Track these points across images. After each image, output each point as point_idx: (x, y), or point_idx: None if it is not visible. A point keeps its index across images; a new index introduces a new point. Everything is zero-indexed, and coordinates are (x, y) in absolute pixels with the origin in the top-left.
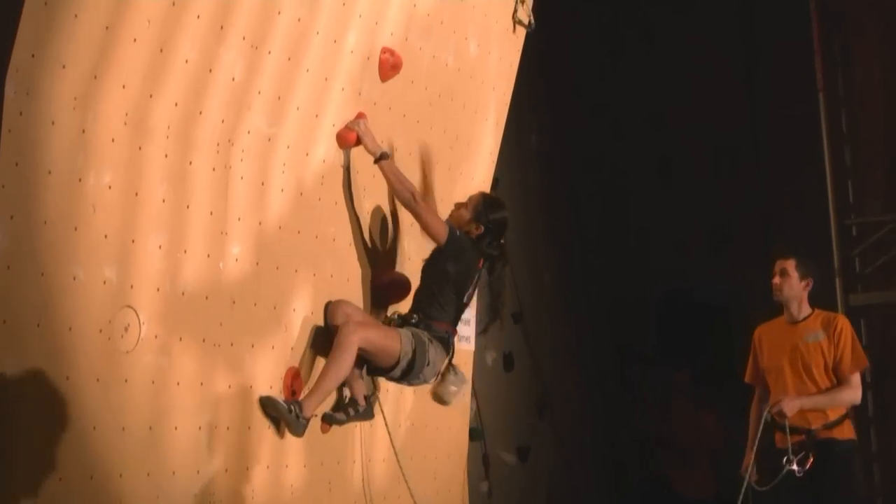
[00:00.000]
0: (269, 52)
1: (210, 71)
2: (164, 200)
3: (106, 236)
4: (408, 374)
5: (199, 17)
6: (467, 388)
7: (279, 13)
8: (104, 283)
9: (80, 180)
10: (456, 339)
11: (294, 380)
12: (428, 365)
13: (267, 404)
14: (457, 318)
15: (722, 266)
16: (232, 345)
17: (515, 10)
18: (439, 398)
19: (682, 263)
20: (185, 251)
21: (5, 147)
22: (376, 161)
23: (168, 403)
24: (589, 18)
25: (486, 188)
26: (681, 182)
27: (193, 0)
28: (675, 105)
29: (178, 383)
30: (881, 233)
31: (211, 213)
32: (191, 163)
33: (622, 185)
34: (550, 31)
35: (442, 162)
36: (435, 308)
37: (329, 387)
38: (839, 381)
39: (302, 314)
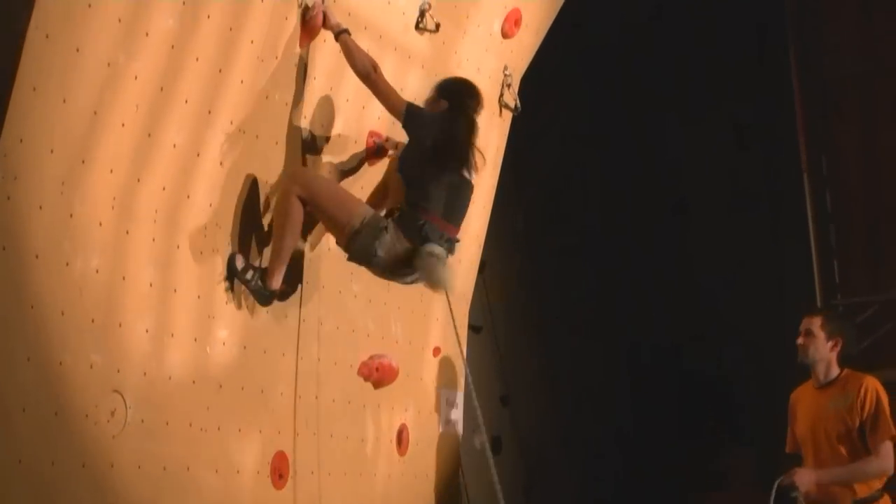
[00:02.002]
0: (257, 137)
1: (198, 155)
2: (151, 284)
3: (93, 320)
4: (350, 249)
5: (186, 101)
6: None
7: (266, 97)
8: (91, 367)
9: (67, 264)
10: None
11: (282, 463)
12: (375, 253)
13: (231, 263)
14: (448, 209)
15: (708, 351)
16: (219, 429)
17: (501, 94)
18: (430, 283)
19: (671, 345)
20: (173, 335)
21: None
22: (338, 36)
23: (155, 488)
24: (576, 102)
25: (475, 272)
26: (669, 261)
27: (181, 85)
28: (663, 185)
29: (164, 468)
30: (868, 313)
31: (198, 297)
32: (178, 246)
33: (610, 266)
34: (536, 114)
35: None
36: (417, 194)
37: (282, 247)
38: (868, 450)
39: (290, 398)
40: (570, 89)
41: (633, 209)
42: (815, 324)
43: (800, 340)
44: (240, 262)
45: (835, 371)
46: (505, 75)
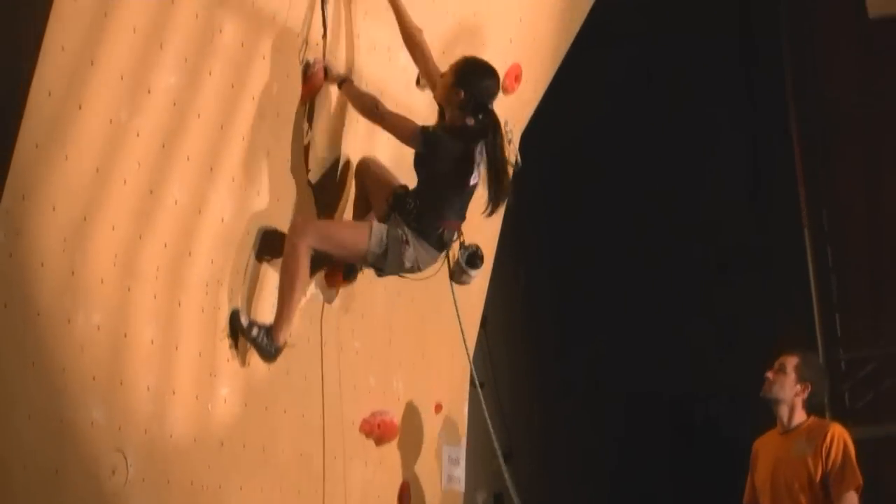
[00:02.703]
0: (258, 193)
1: (199, 212)
2: (152, 342)
3: (94, 378)
4: (378, 268)
5: (188, 158)
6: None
7: (268, 153)
8: (92, 424)
9: (68, 321)
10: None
11: None
12: (405, 265)
13: (235, 320)
14: (460, 210)
15: (709, 407)
16: (220, 487)
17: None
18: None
19: (672, 401)
20: (174, 392)
21: None
22: (340, 86)
23: None
24: (577, 157)
25: (476, 327)
26: (670, 316)
27: (183, 142)
28: (660, 241)
29: None
30: (869, 367)
31: (199, 355)
32: (179, 304)
33: (612, 321)
34: (538, 168)
35: (430, 303)
36: (433, 200)
37: (289, 306)
38: (830, 502)
39: (292, 455)
40: (572, 144)
41: (635, 265)
42: (790, 363)
43: (769, 374)
44: (244, 319)
45: (800, 417)
46: (506, 131)
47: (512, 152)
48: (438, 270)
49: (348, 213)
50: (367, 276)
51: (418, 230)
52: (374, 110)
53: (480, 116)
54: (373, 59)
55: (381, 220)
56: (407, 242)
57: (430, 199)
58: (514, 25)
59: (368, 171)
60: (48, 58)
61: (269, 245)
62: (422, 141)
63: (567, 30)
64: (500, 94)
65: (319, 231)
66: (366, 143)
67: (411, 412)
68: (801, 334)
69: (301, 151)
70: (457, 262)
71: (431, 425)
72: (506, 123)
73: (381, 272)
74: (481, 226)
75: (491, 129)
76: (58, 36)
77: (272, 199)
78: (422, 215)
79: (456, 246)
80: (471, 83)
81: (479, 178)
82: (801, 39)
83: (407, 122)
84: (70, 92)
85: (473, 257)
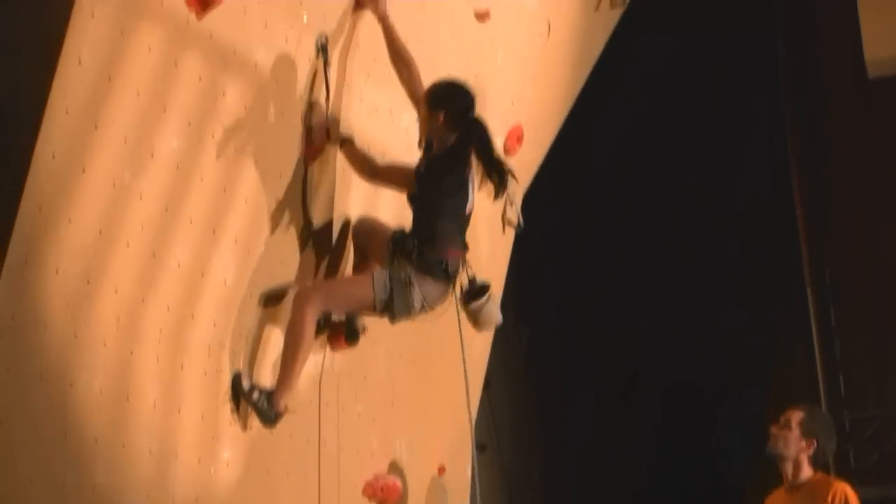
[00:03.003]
0: (261, 255)
1: (202, 275)
2: (154, 405)
3: (97, 441)
4: (388, 314)
5: (191, 221)
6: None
7: (270, 216)
8: (94, 488)
9: (71, 385)
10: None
11: None
12: (414, 306)
13: (236, 384)
14: (460, 240)
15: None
16: None
17: (504, 211)
18: (476, 324)
19: (673, 470)
20: (176, 456)
21: None
22: (342, 145)
23: None
24: (578, 221)
25: (479, 389)
26: (672, 384)
27: (186, 205)
28: (664, 307)
29: None
30: (874, 427)
31: (202, 418)
32: (182, 367)
33: (614, 387)
34: (540, 228)
35: (432, 365)
36: (431, 232)
37: (293, 371)
38: None
39: None
40: (574, 207)
41: (637, 331)
42: (795, 418)
43: (773, 429)
44: (245, 383)
45: (806, 473)
46: (507, 192)
47: (514, 214)
48: (447, 309)
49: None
50: (368, 338)
51: (421, 267)
52: (371, 170)
53: (464, 126)
54: (375, 121)
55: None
56: (411, 283)
57: (428, 233)
58: (515, 87)
59: (364, 229)
60: (52, 121)
61: (273, 307)
62: (418, 185)
63: (568, 92)
64: (502, 150)
65: (324, 292)
66: (368, 202)
67: (415, 475)
68: (802, 393)
69: (304, 213)
70: (465, 293)
71: (435, 488)
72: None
73: (392, 318)
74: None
75: (475, 131)
76: (62, 99)
77: (275, 261)
78: (422, 251)
79: (464, 277)
80: (444, 101)
81: (471, 207)
82: (802, 99)
83: (402, 169)
84: (74, 155)
85: (480, 288)
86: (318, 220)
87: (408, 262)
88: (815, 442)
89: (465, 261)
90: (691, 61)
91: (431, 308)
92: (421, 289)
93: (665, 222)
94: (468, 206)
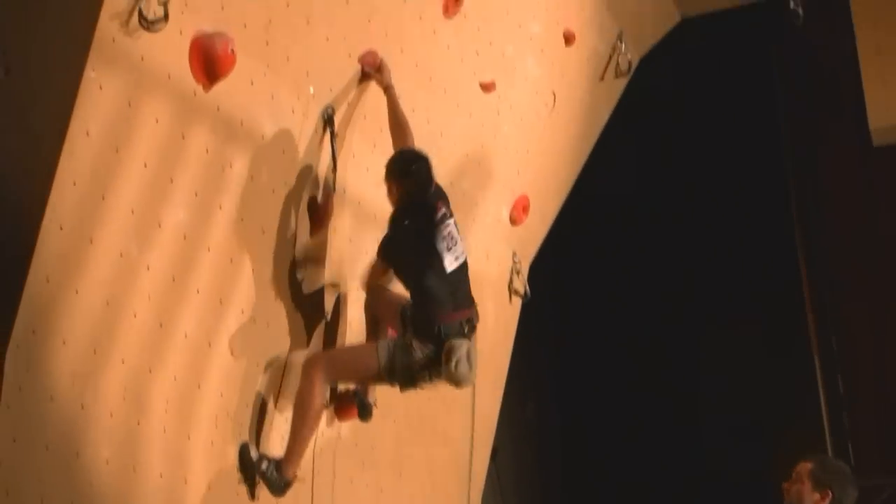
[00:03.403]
0: (268, 325)
1: (209, 345)
2: (161, 475)
3: None
4: (397, 382)
5: (198, 291)
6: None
7: (278, 286)
8: None
9: (77, 455)
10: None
11: None
12: (419, 372)
13: (244, 454)
14: (455, 299)
15: None
16: None
17: (511, 281)
18: (453, 381)
19: None
20: None
21: (3, 422)
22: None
23: None
24: (584, 288)
25: (486, 458)
26: (678, 449)
27: (193, 275)
28: (672, 377)
29: None
30: (884, 496)
31: (209, 488)
32: (189, 437)
33: (620, 451)
34: (547, 299)
35: (438, 427)
36: (420, 299)
37: (302, 441)
38: None
39: None
40: (579, 273)
41: (645, 401)
42: (804, 470)
43: (785, 485)
44: (253, 453)
45: None
46: (514, 262)
47: (520, 283)
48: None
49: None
50: (376, 407)
51: (418, 333)
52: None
53: (409, 185)
54: (381, 190)
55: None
56: (412, 346)
57: (418, 300)
58: (521, 157)
59: (377, 300)
60: (60, 192)
61: (279, 377)
62: (382, 250)
63: (574, 161)
64: (509, 226)
65: (333, 363)
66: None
67: None
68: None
69: (312, 283)
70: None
71: None
72: (514, 254)
73: (401, 386)
74: (493, 353)
75: (439, 204)
76: (70, 170)
77: (281, 332)
78: (415, 317)
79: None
80: (394, 172)
81: (458, 264)
82: (806, 171)
83: (375, 261)
84: (81, 226)
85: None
86: (328, 290)
87: (409, 330)
88: (829, 493)
89: (468, 320)
90: (694, 127)
91: (429, 378)
92: (420, 353)
93: (669, 295)
94: (447, 262)
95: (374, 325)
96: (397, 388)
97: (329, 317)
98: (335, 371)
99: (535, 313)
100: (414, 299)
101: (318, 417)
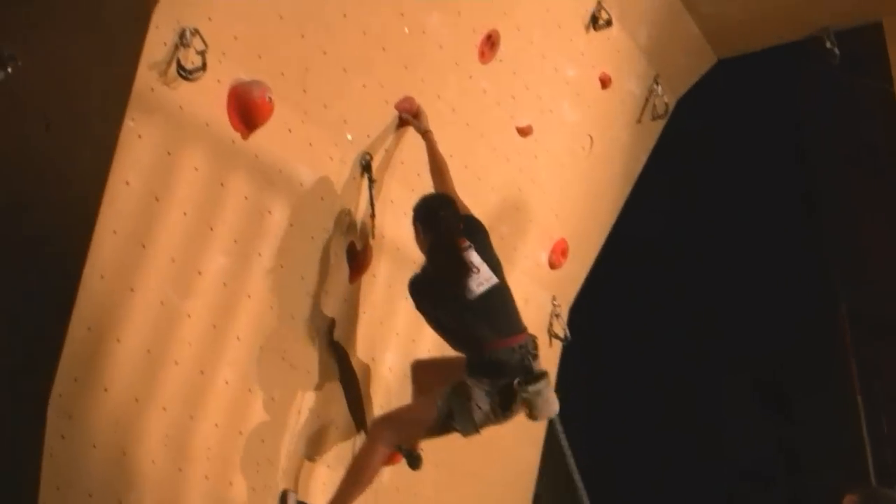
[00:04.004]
0: (308, 372)
1: (250, 391)
2: None
3: None
4: (459, 429)
5: (238, 338)
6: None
7: (317, 332)
8: None
9: (120, 503)
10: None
11: None
12: (476, 416)
13: (285, 502)
14: (496, 325)
15: None
16: None
17: (551, 324)
18: (531, 412)
19: None
20: None
21: (47, 471)
22: None
23: None
24: (621, 330)
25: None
26: (708, 487)
27: (233, 322)
28: (711, 417)
29: None
30: None
31: None
32: (231, 484)
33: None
34: (587, 342)
35: (479, 474)
36: (465, 338)
37: (352, 492)
38: None
39: None
40: (616, 328)
41: (682, 464)
42: (848, 502)
43: None
44: (291, 501)
45: None
46: (553, 305)
47: (560, 327)
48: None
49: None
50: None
51: (472, 372)
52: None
53: (434, 228)
54: None
55: None
56: (467, 388)
57: (458, 338)
58: (559, 201)
59: (426, 372)
60: (100, 241)
61: (321, 424)
62: (411, 294)
63: (612, 204)
64: (548, 270)
65: (397, 424)
66: (412, 321)
67: None
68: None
69: (351, 328)
70: (521, 379)
71: None
72: (553, 298)
73: (463, 433)
74: None
75: (466, 233)
76: (110, 220)
77: (321, 378)
78: (470, 360)
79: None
80: (417, 213)
81: (481, 286)
82: (844, 211)
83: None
84: (122, 275)
85: (538, 374)
86: (356, 332)
87: (465, 371)
88: None
89: (521, 346)
90: (723, 167)
91: (494, 418)
92: (478, 393)
93: (708, 345)
94: (470, 291)
95: (421, 389)
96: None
97: (366, 362)
98: (400, 432)
99: (574, 357)
100: (460, 340)
101: (372, 479)
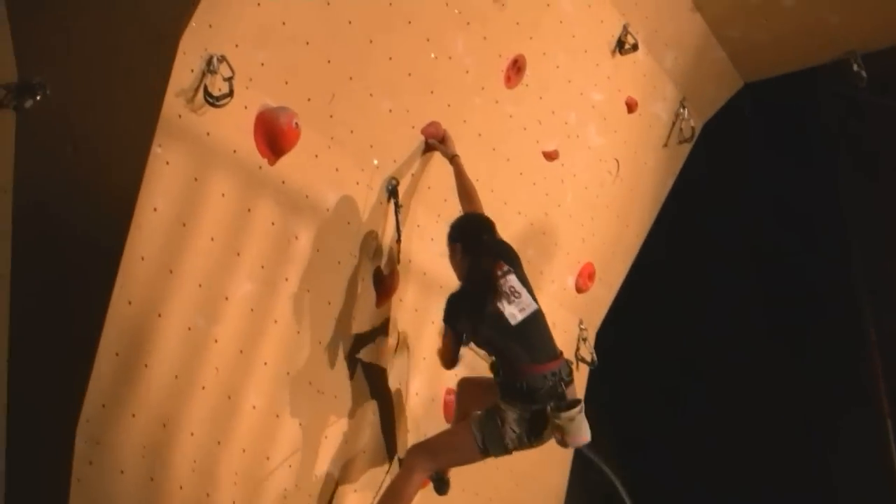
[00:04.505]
0: (336, 397)
1: (277, 416)
2: None
3: None
4: (492, 454)
5: (265, 364)
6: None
7: (344, 358)
8: None
9: None
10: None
11: None
12: (507, 445)
13: None
14: (532, 350)
15: None
16: None
17: (578, 349)
18: (564, 438)
19: None
20: None
21: (75, 497)
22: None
23: None
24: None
25: None
26: None
27: (260, 347)
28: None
29: None
30: None
31: None
32: None
33: None
34: (615, 370)
35: (507, 498)
36: (502, 362)
37: None
38: None
39: None
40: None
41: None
42: None
43: None
44: None
45: None
46: (580, 329)
47: (587, 351)
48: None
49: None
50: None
51: (505, 397)
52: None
53: (473, 250)
54: (446, 261)
55: None
56: (499, 412)
57: (502, 362)
58: (585, 225)
59: (467, 392)
60: (128, 268)
61: (349, 450)
62: (446, 326)
63: (639, 228)
64: (574, 294)
65: (432, 451)
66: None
67: None
68: None
69: (378, 354)
70: (555, 405)
71: None
72: (580, 322)
73: (494, 455)
74: None
75: (503, 259)
76: (137, 246)
77: (348, 403)
78: (504, 381)
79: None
80: (457, 232)
81: (526, 316)
82: (874, 248)
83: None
84: (149, 300)
85: (572, 401)
86: (383, 357)
87: (498, 393)
88: None
89: (554, 373)
90: (751, 192)
91: (528, 442)
92: (510, 416)
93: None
94: (512, 317)
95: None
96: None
97: (394, 387)
98: (436, 459)
99: (603, 380)
100: (498, 361)
101: None
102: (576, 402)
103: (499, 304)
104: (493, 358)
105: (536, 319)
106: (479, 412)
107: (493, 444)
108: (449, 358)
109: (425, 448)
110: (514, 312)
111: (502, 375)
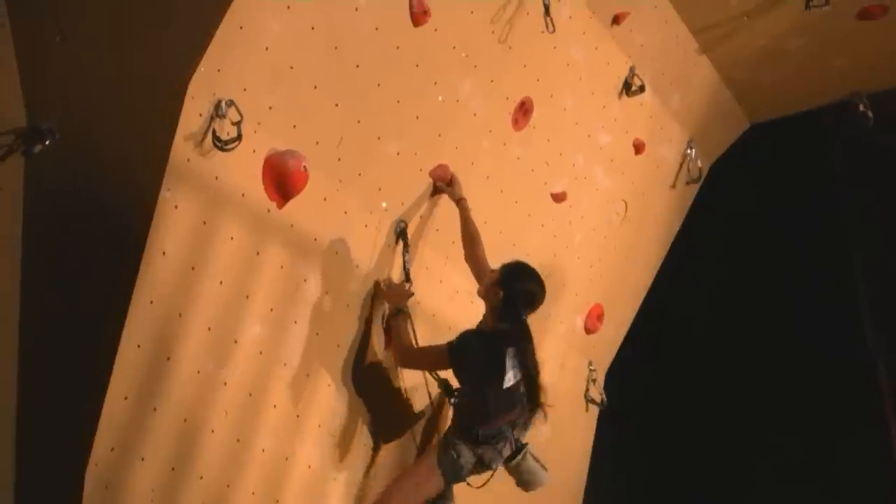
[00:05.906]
0: (345, 439)
1: (286, 459)
2: None
3: None
4: (451, 481)
5: (275, 406)
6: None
7: (354, 401)
8: None
9: None
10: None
11: None
12: (464, 467)
13: None
14: (498, 408)
15: None
16: None
17: (587, 390)
18: (520, 484)
19: None
20: None
21: None
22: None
23: None
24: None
25: None
26: None
27: (270, 390)
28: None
29: None
30: None
31: None
32: None
33: None
34: (624, 407)
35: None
36: (464, 405)
37: None
38: None
39: None
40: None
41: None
42: None
43: None
44: None
45: None
46: (590, 370)
47: (597, 392)
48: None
49: None
50: None
51: (459, 430)
52: (408, 348)
53: (511, 323)
54: (455, 303)
55: None
56: (457, 453)
57: (470, 403)
58: (594, 266)
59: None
60: (137, 310)
61: (357, 492)
62: (451, 358)
63: (647, 268)
64: (583, 335)
65: (402, 492)
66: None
67: None
68: None
69: (388, 395)
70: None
71: None
72: (590, 363)
73: (453, 483)
74: (571, 463)
75: (519, 337)
76: (146, 289)
77: (358, 445)
78: (462, 415)
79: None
80: (511, 284)
81: (515, 381)
82: (883, 287)
83: (435, 348)
84: (159, 344)
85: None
86: (392, 398)
87: (455, 422)
88: None
89: (511, 423)
90: (758, 233)
91: (478, 469)
92: (462, 451)
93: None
94: (507, 381)
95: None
96: (471, 486)
97: (406, 430)
98: (409, 499)
99: (613, 420)
100: (465, 398)
101: None
102: (519, 449)
103: (506, 365)
104: (445, 379)
105: (520, 381)
106: (436, 448)
107: (453, 477)
108: (415, 365)
109: (396, 490)
110: (510, 377)
111: (462, 408)
